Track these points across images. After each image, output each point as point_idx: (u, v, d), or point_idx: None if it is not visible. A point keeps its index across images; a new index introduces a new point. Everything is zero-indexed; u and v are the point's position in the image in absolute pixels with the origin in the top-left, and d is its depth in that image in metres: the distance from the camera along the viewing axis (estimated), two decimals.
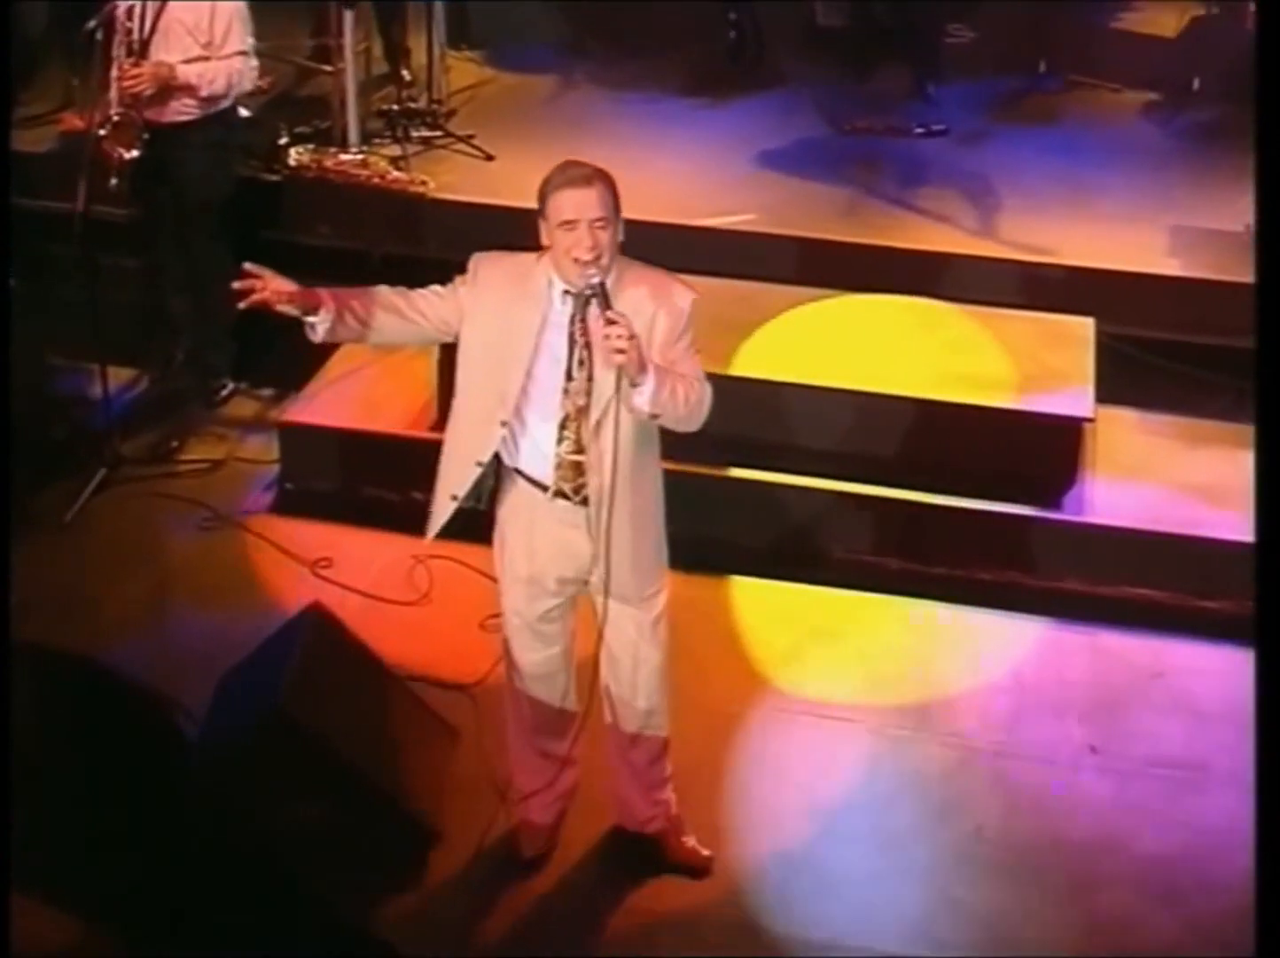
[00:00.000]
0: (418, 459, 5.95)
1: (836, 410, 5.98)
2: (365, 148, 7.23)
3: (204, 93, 6.19)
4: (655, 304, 4.05)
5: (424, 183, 6.97)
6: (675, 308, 4.08)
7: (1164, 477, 6.04)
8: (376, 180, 6.95)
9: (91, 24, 5.95)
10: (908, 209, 7.08)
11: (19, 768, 3.24)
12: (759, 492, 5.91)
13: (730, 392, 5.72)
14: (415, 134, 7.42)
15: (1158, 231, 6.90)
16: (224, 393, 6.70)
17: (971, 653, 5.53)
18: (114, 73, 6.15)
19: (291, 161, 7.09)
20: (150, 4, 6.08)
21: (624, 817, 4.67)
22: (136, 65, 6.08)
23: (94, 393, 6.27)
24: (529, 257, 4.14)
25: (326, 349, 6.55)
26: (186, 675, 4.87)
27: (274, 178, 7.09)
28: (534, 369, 4.09)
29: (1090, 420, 5.92)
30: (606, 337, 3.86)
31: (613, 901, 4.51)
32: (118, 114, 6.15)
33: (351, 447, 6.19)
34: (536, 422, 4.15)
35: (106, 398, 6.23)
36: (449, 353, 6.09)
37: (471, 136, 7.43)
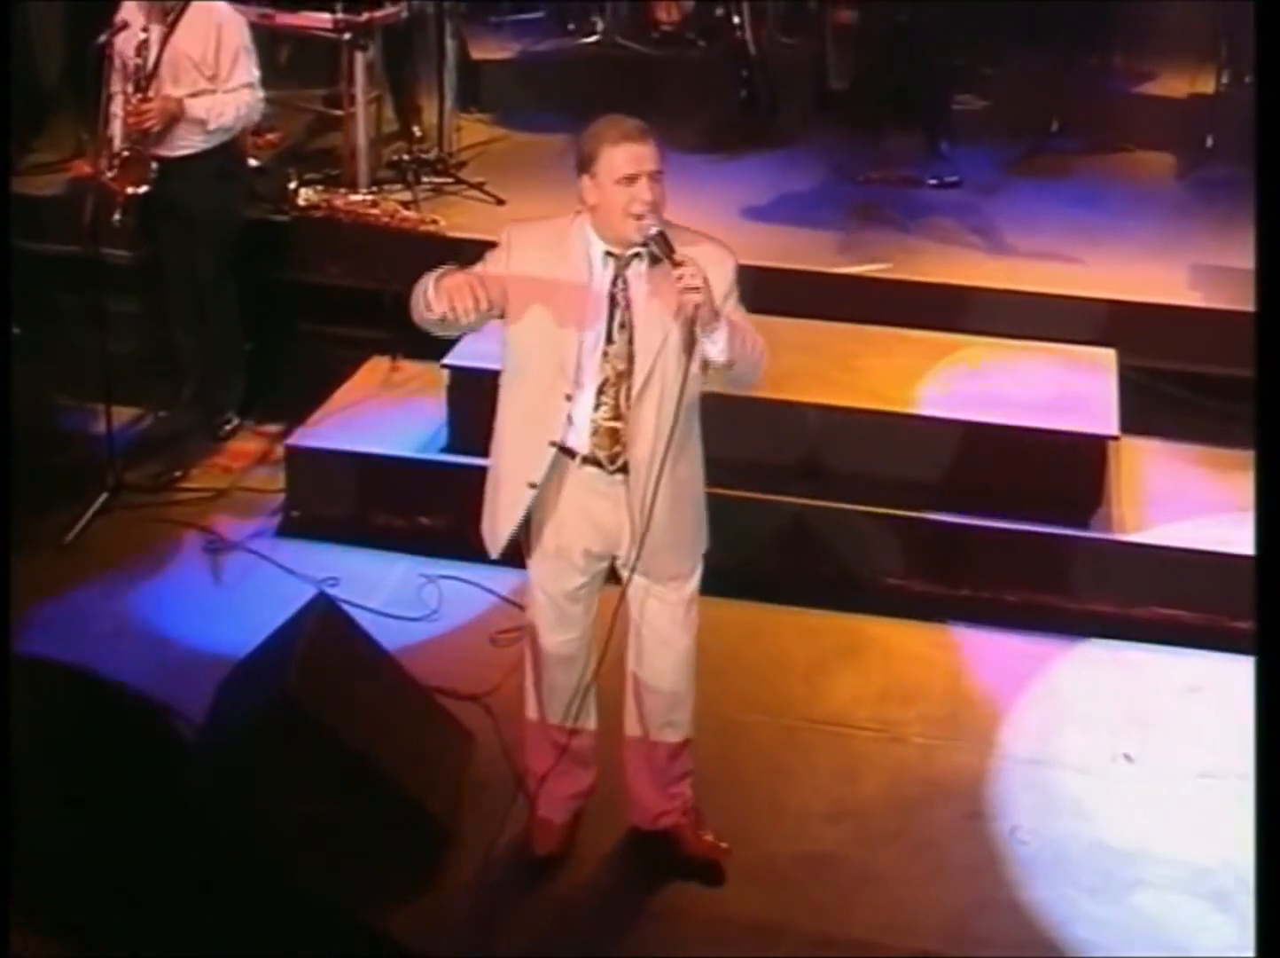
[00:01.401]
0: (426, 485, 5.92)
1: (859, 432, 5.86)
2: (375, 189, 7.17)
3: (212, 126, 6.13)
4: (703, 260, 3.89)
5: (434, 222, 6.89)
6: (721, 265, 3.96)
7: (1189, 500, 5.88)
8: (386, 220, 6.88)
9: (101, 39, 5.89)
10: (922, 246, 7.00)
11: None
12: (784, 515, 5.75)
13: (755, 414, 5.72)
14: (426, 180, 7.35)
15: (1177, 268, 6.80)
16: (229, 427, 6.57)
17: (1002, 669, 5.34)
18: (114, 109, 6.11)
19: (301, 202, 7.02)
20: (155, 38, 6.04)
21: (638, 814, 4.46)
22: (145, 100, 6.03)
23: (98, 428, 6.15)
24: (561, 221, 4.02)
25: (333, 383, 6.50)
26: (185, 687, 4.69)
27: (283, 218, 7.01)
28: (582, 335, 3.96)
29: (1115, 438, 5.80)
30: (679, 278, 3.73)
31: (635, 901, 4.30)
32: (126, 150, 6.11)
33: (358, 472, 6.03)
34: None
35: (110, 432, 6.11)
36: (458, 379, 6.08)
37: (482, 183, 7.37)
